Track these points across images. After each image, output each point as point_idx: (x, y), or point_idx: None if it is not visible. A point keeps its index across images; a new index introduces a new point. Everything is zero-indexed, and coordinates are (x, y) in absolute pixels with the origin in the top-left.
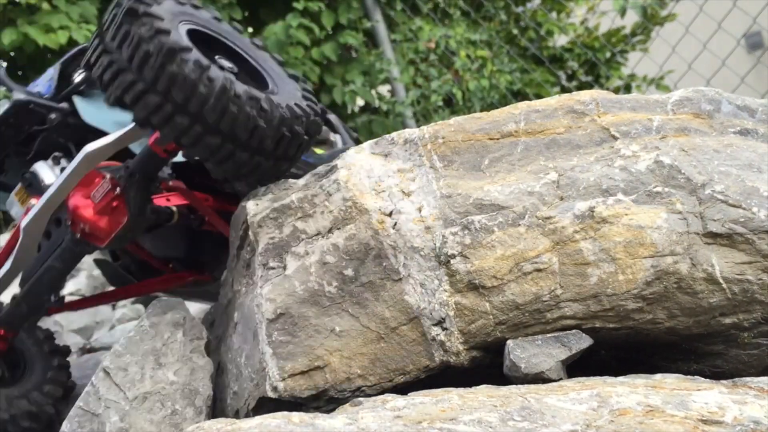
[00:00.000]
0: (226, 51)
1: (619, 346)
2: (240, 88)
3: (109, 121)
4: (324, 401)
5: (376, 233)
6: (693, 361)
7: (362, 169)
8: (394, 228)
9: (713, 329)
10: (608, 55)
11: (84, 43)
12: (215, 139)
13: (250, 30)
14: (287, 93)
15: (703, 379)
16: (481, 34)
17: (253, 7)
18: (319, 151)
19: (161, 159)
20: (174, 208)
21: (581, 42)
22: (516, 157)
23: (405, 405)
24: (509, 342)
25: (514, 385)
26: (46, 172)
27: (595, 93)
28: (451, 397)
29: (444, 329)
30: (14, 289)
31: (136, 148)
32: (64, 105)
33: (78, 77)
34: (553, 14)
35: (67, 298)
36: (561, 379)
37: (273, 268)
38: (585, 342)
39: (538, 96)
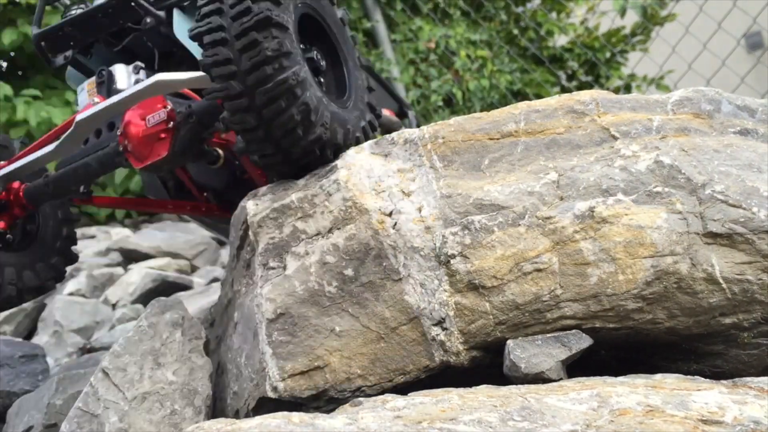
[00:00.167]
0: (329, 49)
1: (619, 346)
2: (301, 89)
3: (196, 45)
4: (324, 401)
5: (376, 233)
6: (693, 361)
7: (362, 169)
8: (394, 228)
9: (713, 329)
10: (608, 55)
11: None
12: (252, 120)
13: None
14: (352, 115)
15: (703, 379)
16: (481, 34)
17: None
18: None
19: (221, 111)
20: (221, 152)
21: (581, 42)
22: (516, 157)
23: (405, 405)
24: (509, 342)
25: (514, 385)
26: (122, 77)
27: (595, 93)
28: (451, 397)
29: (444, 329)
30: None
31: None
32: (161, 13)
33: None
34: (553, 14)
35: (67, 299)
36: (561, 379)
37: (273, 268)
38: (585, 342)
39: (538, 96)
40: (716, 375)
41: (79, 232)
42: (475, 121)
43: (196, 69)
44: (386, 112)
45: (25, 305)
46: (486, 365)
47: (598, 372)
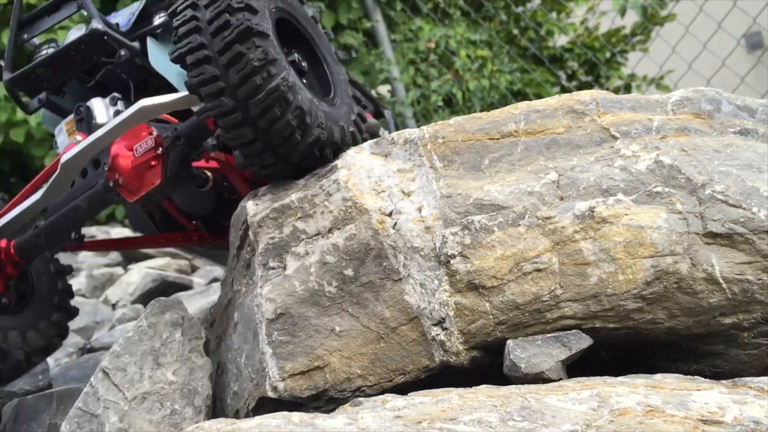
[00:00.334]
0: (307, 50)
1: (619, 346)
2: (293, 94)
3: (174, 71)
4: (324, 401)
5: (376, 233)
6: (693, 361)
7: (362, 169)
8: (394, 228)
9: (713, 329)
10: (608, 55)
11: None
12: (249, 133)
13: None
14: (342, 111)
15: (703, 379)
16: (481, 34)
17: None
18: None
19: (209, 130)
20: (210, 175)
21: (581, 42)
22: (516, 157)
23: (405, 405)
24: (509, 342)
25: (514, 385)
26: (101, 111)
27: (595, 93)
28: (451, 397)
29: (444, 329)
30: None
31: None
32: (136, 44)
33: (158, 20)
34: (553, 14)
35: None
36: (561, 379)
37: (273, 268)
38: (585, 342)
39: (538, 96)
40: (716, 375)
41: None
42: (475, 121)
43: None
44: None
45: None
46: (486, 365)
47: (598, 372)
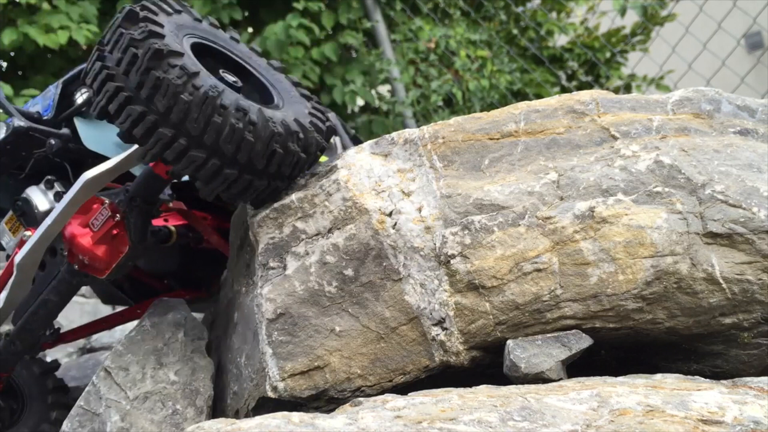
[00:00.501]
0: (234, 66)
1: (619, 346)
2: (228, 98)
3: (112, 146)
4: (324, 401)
5: (376, 233)
6: (693, 361)
7: (362, 169)
8: (394, 228)
9: (713, 329)
10: (608, 55)
11: (84, 65)
12: (200, 154)
13: (250, 30)
14: (292, 110)
15: (703, 379)
16: (481, 34)
17: (253, 7)
18: (322, 158)
19: (163, 181)
20: (172, 228)
21: (581, 42)
22: (516, 157)
23: (405, 405)
24: (509, 342)
25: (514, 385)
26: (40, 198)
27: (595, 93)
28: (451, 397)
29: (444, 329)
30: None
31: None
32: (64, 131)
33: (80, 98)
34: (553, 14)
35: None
36: (561, 379)
37: (273, 268)
38: (585, 342)
39: (538, 96)
40: (716, 375)
41: None
42: (475, 121)
43: None
44: None
45: None
46: (486, 365)
47: (598, 372)
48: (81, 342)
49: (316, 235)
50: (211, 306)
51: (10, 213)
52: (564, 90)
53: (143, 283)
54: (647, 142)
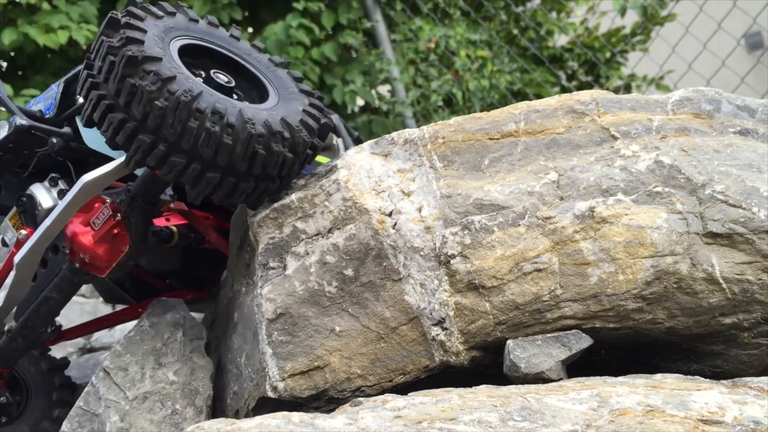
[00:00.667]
0: (231, 65)
1: (619, 346)
2: (205, 101)
3: None
4: (324, 401)
5: (376, 233)
6: (693, 361)
7: (362, 169)
8: (394, 228)
9: (713, 329)
10: (608, 55)
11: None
12: (180, 159)
13: (250, 30)
14: (284, 108)
15: (703, 379)
16: (481, 34)
17: (253, 7)
18: (323, 159)
19: (163, 182)
20: (174, 229)
21: (581, 42)
22: (516, 157)
23: (405, 405)
24: (509, 342)
25: (514, 385)
26: (43, 196)
27: (595, 93)
28: (451, 397)
29: (444, 329)
30: None
31: None
32: (66, 129)
33: (81, 98)
34: (553, 14)
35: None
36: (561, 379)
37: (273, 268)
38: (585, 342)
39: (538, 96)
40: (716, 375)
41: None
42: (475, 121)
43: None
44: None
45: None
46: (486, 365)
47: (598, 372)
48: (81, 342)
49: (316, 235)
50: (212, 306)
51: (14, 209)
52: (564, 90)
53: (145, 282)
54: (647, 142)
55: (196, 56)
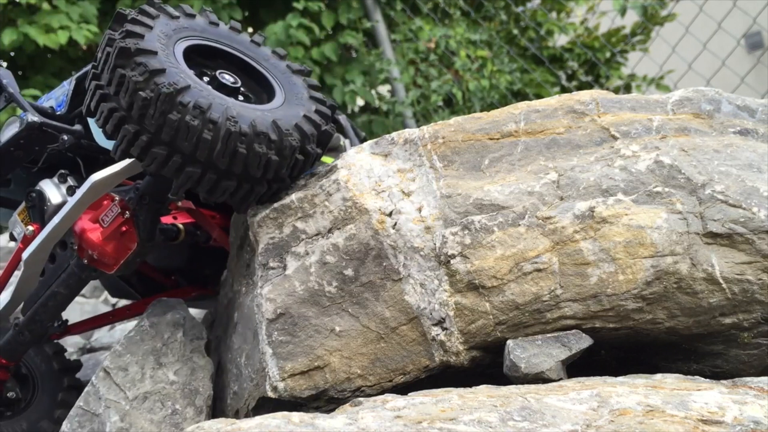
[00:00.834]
0: (245, 68)
1: (619, 346)
2: (190, 95)
3: None
4: (324, 401)
5: (376, 233)
6: (693, 361)
7: (362, 169)
8: (394, 228)
9: (713, 329)
10: (608, 55)
11: None
12: (161, 150)
13: (250, 30)
14: (283, 112)
15: (703, 379)
16: (481, 34)
17: (253, 7)
18: (328, 160)
19: (172, 180)
20: (181, 226)
21: (581, 42)
22: (516, 157)
23: (405, 405)
24: (509, 342)
25: (514, 385)
26: (53, 192)
27: (595, 93)
28: (451, 397)
29: (444, 329)
30: None
31: None
32: (77, 127)
33: None
34: (553, 14)
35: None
36: (561, 379)
37: (273, 268)
38: (585, 342)
39: (538, 96)
40: (716, 375)
41: None
42: (475, 121)
43: None
44: None
45: None
46: (486, 365)
47: (598, 372)
48: (81, 342)
49: (316, 235)
50: (214, 304)
51: (23, 204)
52: (564, 90)
53: (151, 279)
54: (647, 142)
55: (210, 58)
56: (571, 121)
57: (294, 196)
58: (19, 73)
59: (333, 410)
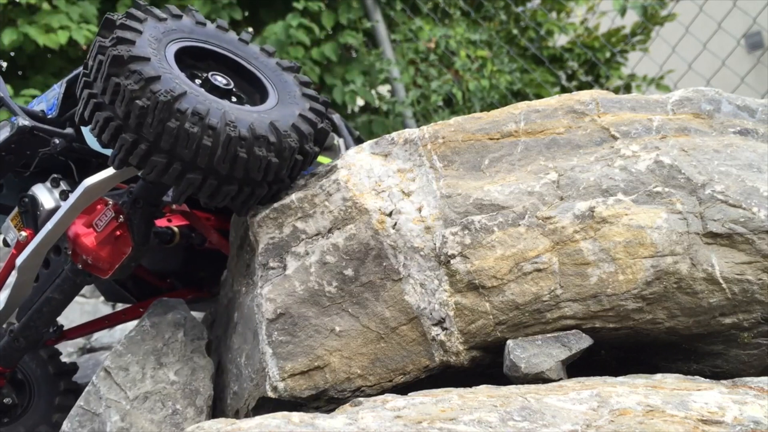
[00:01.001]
0: (236, 68)
1: (619, 346)
2: (187, 102)
3: None
4: (324, 401)
5: (376, 233)
6: (693, 361)
7: (362, 169)
8: (394, 228)
9: (713, 329)
10: (608, 55)
11: None
12: (161, 158)
13: (250, 30)
14: (279, 112)
15: (703, 379)
16: (481, 34)
17: (253, 7)
18: (325, 160)
19: (165, 185)
20: (176, 229)
21: (581, 42)
22: (516, 157)
23: (405, 405)
24: (509, 342)
25: (514, 385)
26: (45, 197)
27: (595, 93)
28: (451, 397)
29: (444, 329)
30: None
31: None
32: (68, 130)
33: None
34: (553, 14)
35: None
36: (561, 379)
37: (273, 268)
38: (585, 342)
39: (538, 96)
40: (716, 375)
41: None
42: (475, 121)
43: None
44: None
45: None
46: (486, 365)
47: (598, 372)
48: (81, 342)
49: (316, 235)
50: (212, 306)
51: (16, 210)
52: (564, 90)
53: (146, 282)
54: (647, 142)
55: (200, 59)
56: (571, 121)
57: (294, 196)
58: (19, 73)
59: (333, 410)
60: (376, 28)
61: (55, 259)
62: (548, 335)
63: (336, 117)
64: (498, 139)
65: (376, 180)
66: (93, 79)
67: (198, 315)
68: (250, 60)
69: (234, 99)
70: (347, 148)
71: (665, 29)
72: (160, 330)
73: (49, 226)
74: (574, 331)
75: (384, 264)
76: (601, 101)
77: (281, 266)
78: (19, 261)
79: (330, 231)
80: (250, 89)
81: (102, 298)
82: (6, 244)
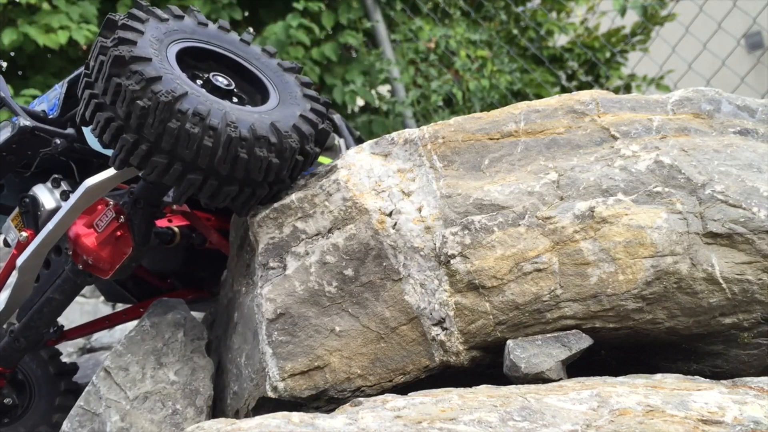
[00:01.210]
0: (237, 69)
1: (619, 346)
2: (189, 102)
3: None
4: (324, 401)
5: (376, 233)
6: (693, 361)
7: (362, 169)
8: (394, 228)
9: (713, 329)
10: (608, 55)
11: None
12: (162, 159)
13: (250, 30)
14: (279, 113)
15: (703, 379)
16: (481, 34)
17: (253, 7)
18: (326, 160)
19: (166, 185)
20: (176, 230)
21: (581, 42)
22: (516, 157)
23: (405, 405)
24: (509, 342)
25: (514, 385)
26: (46, 197)
27: (595, 93)
28: (451, 397)
29: (444, 329)
30: None
31: None
32: (69, 131)
33: None
34: (553, 14)
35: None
36: (561, 379)
37: (273, 268)
38: (585, 342)
39: (538, 96)
40: (716, 375)
41: None
42: (475, 121)
43: None
44: None
45: None
46: (486, 365)
47: (598, 372)
48: (81, 342)
49: (316, 235)
50: (212, 306)
51: (17, 210)
52: (564, 90)
53: (147, 282)
54: (647, 142)
55: (201, 59)
56: (571, 121)
57: (294, 196)
58: (19, 73)
59: (333, 410)
60: (376, 28)
61: (55, 259)
62: (548, 335)
63: (336, 117)
64: (498, 139)
65: (376, 180)
66: (94, 79)
67: (198, 315)
68: (251, 61)
69: (235, 100)
70: (348, 148)
71: (665, 29)
72: (160, 330)
73: (49, 226)
74: (574, 331)
75: (384, 264)
76: (601, 101)
77: (281, 266)
78: (19, 261)
79: (330, 231)
80: (251, 90)
81: (102, 298)
82: (6, 244)
